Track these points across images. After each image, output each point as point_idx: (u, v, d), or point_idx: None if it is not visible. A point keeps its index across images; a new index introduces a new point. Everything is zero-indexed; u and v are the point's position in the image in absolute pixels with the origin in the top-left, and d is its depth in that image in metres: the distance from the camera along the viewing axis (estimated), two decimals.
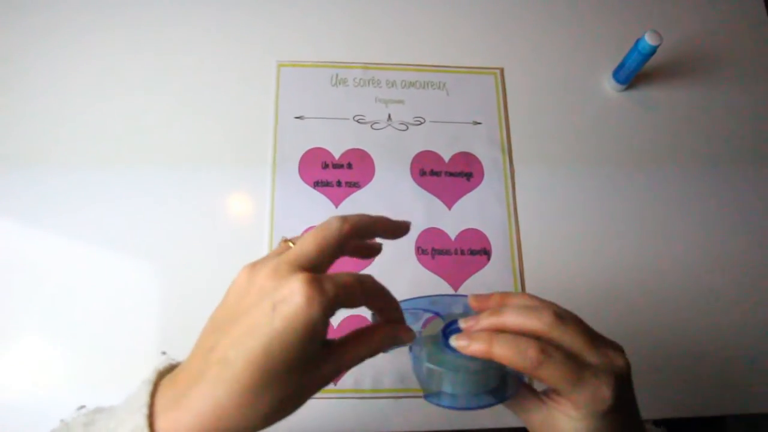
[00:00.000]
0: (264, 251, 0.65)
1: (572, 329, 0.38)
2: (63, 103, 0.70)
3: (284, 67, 0.73)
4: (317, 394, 0.57)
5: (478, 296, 0.42)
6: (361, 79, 0.74)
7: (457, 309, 0.42)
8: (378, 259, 0.64)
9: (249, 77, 0.73)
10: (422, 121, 0.72)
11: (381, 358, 0.61)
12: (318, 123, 0.71)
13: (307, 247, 0.36)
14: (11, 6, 0.73)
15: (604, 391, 0.37)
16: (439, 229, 0.68)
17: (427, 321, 0.45)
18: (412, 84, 0.74)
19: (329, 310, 0.34)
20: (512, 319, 0.39)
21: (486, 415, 0.61)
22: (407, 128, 0.72)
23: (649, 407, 0.62)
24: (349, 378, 0.61)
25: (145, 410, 0.33)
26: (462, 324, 0.40)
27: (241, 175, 0.68)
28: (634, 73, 0.73)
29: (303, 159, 0.69)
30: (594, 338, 0.39)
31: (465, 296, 0.42)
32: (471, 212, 0.69)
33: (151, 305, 0.62)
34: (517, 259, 0.67)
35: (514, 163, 0.72)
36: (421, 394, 0.60)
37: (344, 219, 0.39)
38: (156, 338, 0.61)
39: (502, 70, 0.76)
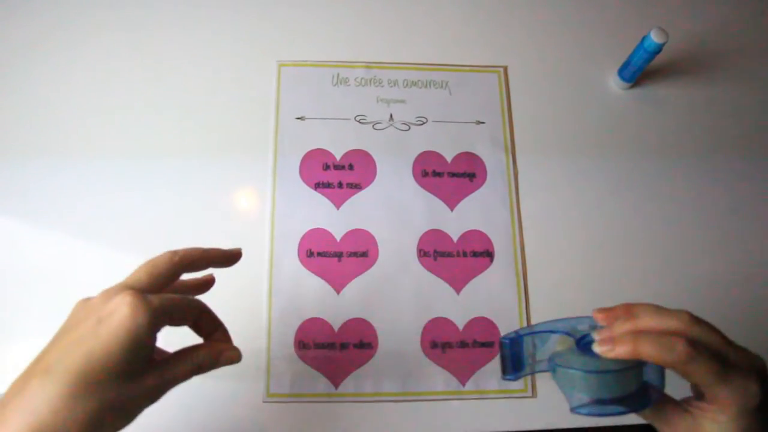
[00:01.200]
0: (265, 255, 0.64)
1: (709, 328, 0.38)
2: (63, 100, 0.69)
3: (285, 67, 0.72)
4: (315, 399, 0.57)
5: (602, 309, 0.41)
6: (362, 78, 0.73)
7: (583, 326, 0.42)
8: (379, 262, 0.65)
9: (249, 77, 0.72)
10: (424, 121, 0.72)
11: (383, 361, 0.61)
12: (319, 123, 0.70)
13: (137, 274, 0.40)
14: (13, 3, 0.73)
15: (752, 387, 0.36)
16: (441, 231, 0.67)
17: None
18: (414, 83, 0.73)
19: (155, 320, 0.36)
20: (649, 321, 0.38)
21: (485, 420, 0.61)
22: (409, 128, 0.71)
23: None
24: (350, 382, 0.61)
25: None
26: (596, 336, 0.39)
27: (241, 178, 0.68)
28: (640, 71, 0.72)
29: (304, 160, 0.68)
30: (728, 339, 0.38)
31: (588, 316, 0.42)
32: (474, 213, 0.68)
33: None
34: (520, 261, 0.66)
35: (518, 163, 0.71)
36: (422, 397, 0.60)
37: (175, 251, 0.42)
38: None
39: (505, 69, 0.75)
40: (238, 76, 0.72)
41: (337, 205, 0.67)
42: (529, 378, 0.62)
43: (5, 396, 0.34)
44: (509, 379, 0.45)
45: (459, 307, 0.64)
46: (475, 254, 0.66)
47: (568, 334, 0.42)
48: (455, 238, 0.67)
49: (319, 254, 0.65)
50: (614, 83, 0.75)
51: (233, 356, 0.43)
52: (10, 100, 0.69)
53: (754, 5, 0.81)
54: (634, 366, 0.38)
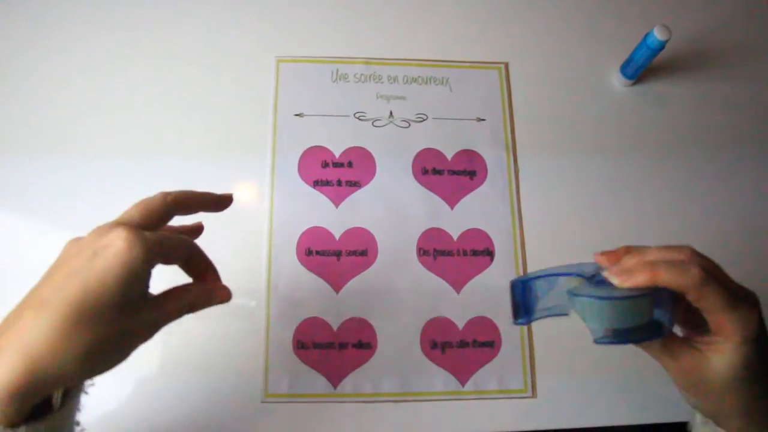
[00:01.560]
0: (263, 253, 0.64)
1: (712, 261, 0.40)
2: (61, 97, 0.69)
3: (283, 63, 0.72)
4: (314, 399, 0.57)
5: (604, 252, 0.42)
6: (362, 74, 0.72)
7: (589, 269, 0.43)
8: (378, 260, 0.64)
9: (247, 73, 0.71)
10: (425, 117, 0.71)
11: (382, 361, 0.60)
12: (318, 120, 0.69)
13: (131, 212, 0.39)
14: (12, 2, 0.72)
15: (753, 316, 0.39)
16: (441, 230, 0.66)
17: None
18: (414, 80, 0.73)
19: (150, 253, 0.35)
20: (656, 254, 0.40)
21: (485, 421, 0.60)
22: (409, 125, 0.70)
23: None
24: (349, 382, 0.60)
25: None
26: (606, 273, 0.40)
27: (239, 175, 0.67)
28: (643, 68, 0.71)
29: (302, 158, 0.68)
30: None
31: (590, 262, 0.43)
32: (474, 212, 0.67)
33: None
34: (521, 259, 0.66)
35: (519, 160, 0.70)
36: (421, 397, 0.60)
37: (168, 192, 0.42)
38: None
39: (506, 65, 0.74)
40: (235, 72, 0.71)
41: (336, 203, 0.66)
42: (529, 378, 0.62)
43: None
44: (521, 323, 0.45)
45: (459, 306, 0.64)
46: (475, 253, 0.66)
47: (578, 275, 0.43)
48: (455, 237, 0.66)
49: (317, 253, 0.64)
50: (616, 80, 0.74)
51: (223, 295, 0.42)
52: (9, 98, 0.68)
53: (757, 2, 0.80)
54: (647, 294, 0.39)
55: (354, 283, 0.63)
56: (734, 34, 0.78)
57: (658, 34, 0.65)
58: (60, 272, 0.35)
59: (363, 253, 0.65)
